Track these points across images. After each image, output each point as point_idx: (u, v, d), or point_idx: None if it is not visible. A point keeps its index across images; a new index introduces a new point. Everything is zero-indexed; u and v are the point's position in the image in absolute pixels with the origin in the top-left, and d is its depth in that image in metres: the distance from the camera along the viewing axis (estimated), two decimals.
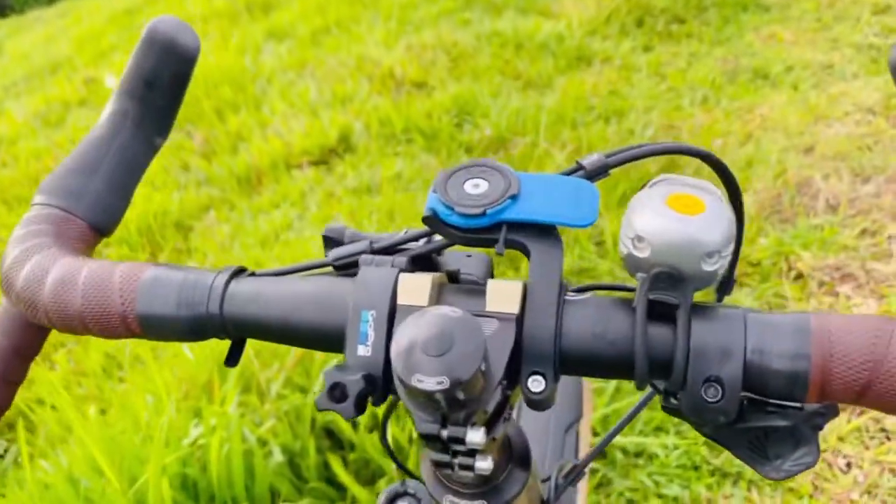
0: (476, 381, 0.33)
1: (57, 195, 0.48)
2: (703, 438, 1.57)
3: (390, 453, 0.59)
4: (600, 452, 0.50)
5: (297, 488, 1.39)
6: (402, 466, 0.60)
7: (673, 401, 0.38)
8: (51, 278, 0.43)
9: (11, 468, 1.77)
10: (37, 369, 1.75)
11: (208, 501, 1.35)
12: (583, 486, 1.23)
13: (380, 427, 0.53)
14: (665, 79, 3.09)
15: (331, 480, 1.42)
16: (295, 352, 1.62)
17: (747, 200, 2.23)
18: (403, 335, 0.34)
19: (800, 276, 1.92)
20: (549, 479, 0.51)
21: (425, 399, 0.34)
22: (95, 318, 0.43)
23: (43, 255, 0.45)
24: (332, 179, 2.73)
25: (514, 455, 0.45)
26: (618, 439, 1.56)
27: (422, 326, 0.34)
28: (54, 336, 2.40)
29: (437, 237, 0.44)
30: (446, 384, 0.32)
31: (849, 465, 1.50)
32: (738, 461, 1.51)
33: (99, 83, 4.22)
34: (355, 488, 1.37)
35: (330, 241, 0.46)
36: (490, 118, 2.88)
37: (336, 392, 0.37)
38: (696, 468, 1.53)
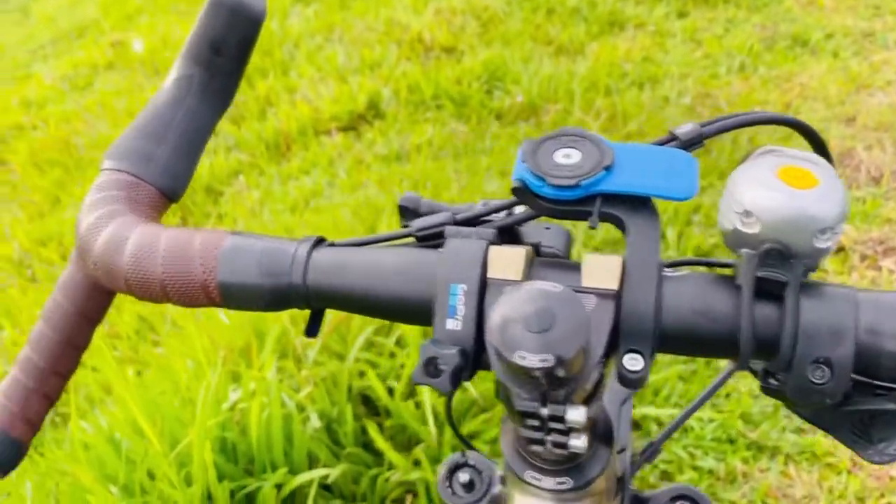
0: (578, 358, 0.33)
1: (126, 160, 0.48)
2: (740, 411, 1.55)
3: (453, 427, 0.58)
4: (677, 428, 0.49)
5: (334, 454, 1.40)
6: (463, 440, 0.60)
7: (773, 381, 0.37)
8: (130, 245, 0.43)
9: (49, 428, 1.80)
10: None
11: (247, 464, 1.36)
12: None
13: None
14: (701, 45, 3.03)
15: (367, 446, 1.43)
16: (331, 319, 1.62)
17: None
18: (502, 310, 0.33)
19: (841, 249, 1.89)
20: (623, 450, 0.50)
21: (525, 376, 0.33)
22: (176, 286, 0.42)
23: (119, 221, 0.44)
24: (361, 146, 2.72)
25: (598, 432, 0.44)
26: (653, 412, 1.56)
27: (522, 301, 0.33)
28: None
29: (520, 209, 0.42)
30: (551, 362, 0.31)
31: None
32: (775, 435, 1.50)
33: (126, 47, 4.21)
34: (391, 454, 1.38)
35: (406, 212, 0.45)
36: (521, 84, 2.83)
37: (430, 367, 0.36)
38: (731, 441, 1.53)
